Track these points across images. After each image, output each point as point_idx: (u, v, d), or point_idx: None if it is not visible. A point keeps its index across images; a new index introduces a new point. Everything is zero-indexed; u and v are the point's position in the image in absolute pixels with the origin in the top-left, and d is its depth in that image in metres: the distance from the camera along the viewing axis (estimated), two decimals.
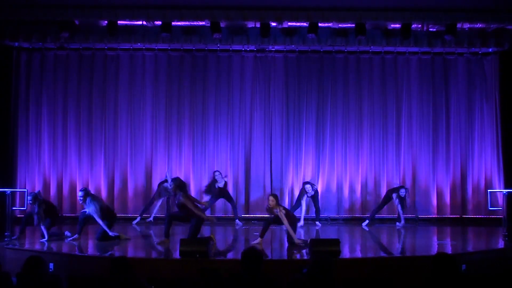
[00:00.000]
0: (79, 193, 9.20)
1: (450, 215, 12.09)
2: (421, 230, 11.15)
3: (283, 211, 8.52)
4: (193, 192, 12.06)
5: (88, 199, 9.00)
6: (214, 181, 11.30)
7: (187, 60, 12.25)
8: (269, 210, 8.64)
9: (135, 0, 10.42)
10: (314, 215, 11.41)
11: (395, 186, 11.64)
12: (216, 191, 11.28)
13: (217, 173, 11.34)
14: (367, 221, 11.38)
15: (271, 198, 8.63)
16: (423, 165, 12.24)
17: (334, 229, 11.15)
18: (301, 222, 10.93)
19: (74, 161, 12.02)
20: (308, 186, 11.11)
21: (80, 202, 9.21)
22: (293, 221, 8.75)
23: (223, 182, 11.32)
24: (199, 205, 9.02)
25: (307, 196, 11.12)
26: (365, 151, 12.26)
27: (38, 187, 11.86)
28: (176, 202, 8.69)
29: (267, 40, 11.16)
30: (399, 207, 11.20)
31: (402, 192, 11.21)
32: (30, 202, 9.08)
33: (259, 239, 8.59)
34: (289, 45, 11.69)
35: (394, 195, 11.24)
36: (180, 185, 8.71)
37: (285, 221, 8.44)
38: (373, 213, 11.49)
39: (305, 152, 12.21)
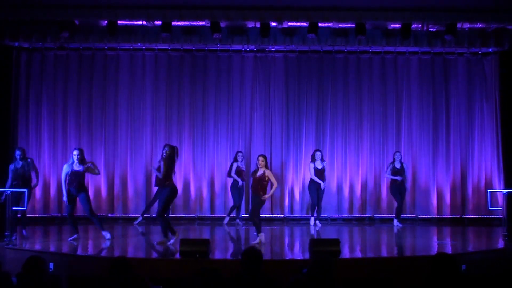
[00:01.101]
0: (75, 152, 9.13)
1: (450, 215, 12.09)
2: (421, 230, 11.16)
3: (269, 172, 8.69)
4: (192, 192, 12.07)
5: (81, 163, 9.12)
6: (235, 160, 11.40)
7: (187, 60, 12.25)
8: (254, 173, 8.82)
9: (135, 0, 10.42)
10: (315, 215, 11.39)
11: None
12: (235, 171, 11.33)
13: (239, 154, 11.42)
14: (396, 220, 11.37)
15: (261, 158, 8.80)
16: (423, 165, 12.24)
17: (334, 229, 11.14)
18: (322, 186, 11.15)
19: None
20: (318, 153, 11.22)
21: (76, 161, 9.07)
22: (259, 204, 8.74)
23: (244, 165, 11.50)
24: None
25: (315, 166, 11.12)
26: (365, 151, 12.27)
27: (38, 187, 11.82)
28: (162, 156, 8.84)
29: (267, 40, 11.15)
30: (389, 173, 11.36)
31: (398, 156, 11.38)
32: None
33: (260, 237, 8.68)
34: (289, 45, 11.69)
35: (389, 167, 11.43)
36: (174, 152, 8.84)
37: (273, 179, 8.63)
38: (398, 211, 11.45)
39: (305, 152, 12.20)
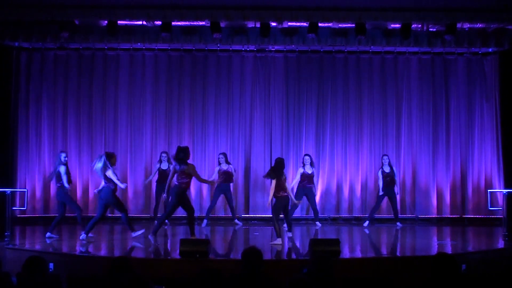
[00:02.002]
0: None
1: (450, 215, 12.09)
2: (421, 230, 11.16)
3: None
4: (192, 192, 12.06)
5: None
6: (218, 163, 11.26)
7: (187, 60, 12.25)
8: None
9: (135, 0, 10.42)
10: (313, 215, 11.34)
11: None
12: (216, 174, 11.15)
13: (221, 156, 11.23)
14: (367, 222, 11.34)
15: None
16: (423, 165, 12.24)
17: (334, 229, 11.13)
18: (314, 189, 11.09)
19: (74, 161, 12.00)
20: (307, 158, 10.96)
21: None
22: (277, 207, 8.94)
23: (227, 166, 11.16)
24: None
25: (305, 171, 10.88)
26: (365, 151, 12.26)
27: (38, 187, 11.88)
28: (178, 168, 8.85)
29: (267, 40, 11.15)
30: (381, 181, 11.16)
31: (385, 159, 11.24)
32: None
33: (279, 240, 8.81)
34: (289, 45, 11.69)
35: (379, 172, 11.32)
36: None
37: (273, 184, 8.84)
38: (372, 213, 11.43)
39: (305, 152, 12.17)
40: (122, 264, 4.60)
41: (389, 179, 11.20)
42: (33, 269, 4.71)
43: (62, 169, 9.52)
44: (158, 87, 12.25)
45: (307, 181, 10.94)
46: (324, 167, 12.15)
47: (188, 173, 8.81)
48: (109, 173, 9.06)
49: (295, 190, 10.85)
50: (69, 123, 12.09)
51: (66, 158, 9.72)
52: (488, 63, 12.20)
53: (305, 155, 11.18)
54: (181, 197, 8.82)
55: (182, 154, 8.86)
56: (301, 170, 10.99)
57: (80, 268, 7.52)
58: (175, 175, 8.89)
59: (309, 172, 10.96)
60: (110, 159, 9.20)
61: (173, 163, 8.99)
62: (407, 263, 7.49)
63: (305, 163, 10.97)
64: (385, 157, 11.35)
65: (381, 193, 11.27)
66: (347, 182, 12.18)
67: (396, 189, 11.35)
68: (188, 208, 8.92)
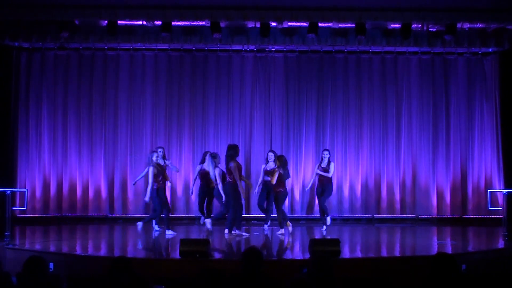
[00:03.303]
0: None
1: (450, 215, 12.09)
2: (421, 230, 11.16)
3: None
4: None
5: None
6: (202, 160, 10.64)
7: (187, 60, 12.25)
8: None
9: (135, 0, 10.43)
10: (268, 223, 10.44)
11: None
12: (198, 174, 10.63)
13: (207, 154, 10.42)
14: (327, 223, 10.61)
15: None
16: (423, 165, 12.23)
17: (334, 229, 11.13)
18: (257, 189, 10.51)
19: (74, 161, 12.01)
20: (271, 154, 10.24)
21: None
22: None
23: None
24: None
25: (265, 169, 10.21)
26: (365, 151, 12.26)
27: (38, 187, 11.88)
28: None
29: (267, 40, 11.15)
30: (314, 177, 10.71)
31: (324, 154, 10.62)
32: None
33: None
34: (289, 45, 11.69)
35: (316, 167, 10.80)
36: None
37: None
38: (321, 211, 10.77)
39: (305, 152, 12.21)
40: (122, 264, 4.60)
41: (323, 176, 10.60)
42: (33, 269, 4.71)
43: (150, 169, 9.77)
44: (158, 87, 12.25)
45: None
46: None
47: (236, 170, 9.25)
48: (216, 173, 9.64)
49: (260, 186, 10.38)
50: (69, 123, 12.08)
51: (157, 158, 9.95)
52: (488, 63, 12.20)
53: (270, 151, 10.58)
54: (235, 193, 9.42)
55: (231, 152, 8.99)
56: (262, 167, 10.43)
57: (80, 268, 7.52)
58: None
59: (269, 169, 10.21)
60: (214, 159, 9.74)
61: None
62: (407, 263, 7.50)
63: (269, 159, 10.28)
64: (324, 152, 10.71)
65: (316, 189, 10.80)
66: (347, 182, 12.17)
67: (333, 187, 10.88)
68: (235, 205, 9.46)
